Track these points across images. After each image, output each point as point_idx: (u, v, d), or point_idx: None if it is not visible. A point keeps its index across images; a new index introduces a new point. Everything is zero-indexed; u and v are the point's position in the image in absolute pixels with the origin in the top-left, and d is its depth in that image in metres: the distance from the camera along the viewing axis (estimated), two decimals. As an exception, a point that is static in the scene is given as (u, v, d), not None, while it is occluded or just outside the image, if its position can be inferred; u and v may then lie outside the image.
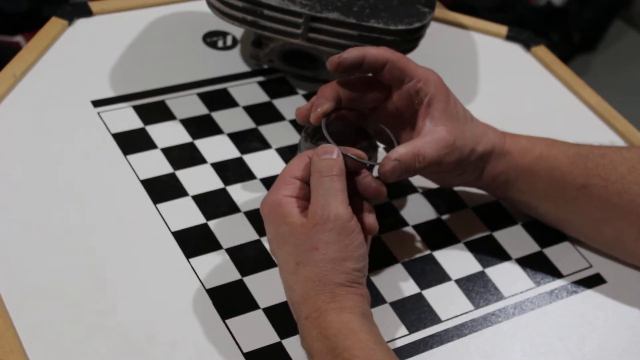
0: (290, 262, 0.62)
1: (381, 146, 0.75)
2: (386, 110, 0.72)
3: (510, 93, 0.95)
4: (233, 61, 0.91)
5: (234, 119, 0.84)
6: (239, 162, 0.80)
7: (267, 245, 0.72)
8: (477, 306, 0.72)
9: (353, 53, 0.68)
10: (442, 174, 0.73)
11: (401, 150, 0.67)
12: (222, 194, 0.76)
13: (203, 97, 0.86)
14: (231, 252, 0.71)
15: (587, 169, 0.72)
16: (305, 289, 0.61)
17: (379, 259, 0.73)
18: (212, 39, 0.93)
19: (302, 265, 0.61)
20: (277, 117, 0.85)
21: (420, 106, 0.70)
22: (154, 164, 0.78)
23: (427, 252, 0.75)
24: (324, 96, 0.69)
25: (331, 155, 0.64)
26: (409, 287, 0.72)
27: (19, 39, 1.38)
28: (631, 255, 0.76)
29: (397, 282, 0.72)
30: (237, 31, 0.95)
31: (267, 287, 0.69)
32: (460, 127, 0.70)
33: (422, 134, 0.69)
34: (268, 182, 0.78)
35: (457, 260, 0.75)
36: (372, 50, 0.68)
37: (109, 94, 0.84)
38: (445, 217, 0.79)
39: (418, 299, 0.71)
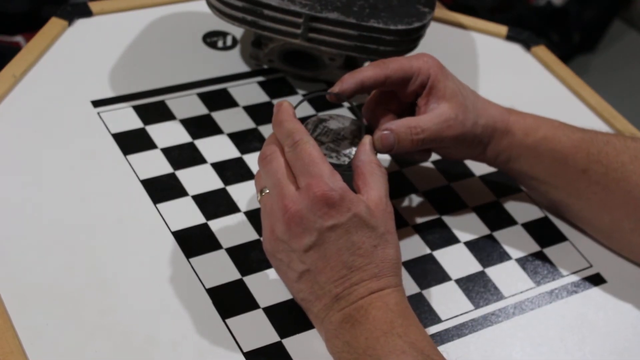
0: (366, 244, 0.63)
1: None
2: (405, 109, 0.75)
3: (510, 93, 0.94)
4: (233, 61, 0.91)
5: (234, 119, 0.84)
6: (239, 162, 0.80)
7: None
8: (477, 306, 0.72)
9: (349, 83, 0.70)
10: (446, 149, 0.75)
11: (397, 122, 0.70)
12: (222, 194, 0.76)
13: (203, 97, 0.86)
14: (231, 251, 0.71)
15: (589, 154, 0.73)
16: (379, 269, 0.63)
17: (379, 258, 0.73)
18: (212, 39, 0.93)
19: (380, 247, 0.63)
20: (277, 117, 0.85)
21: (422, 92, 0.72)
22: (154, 164, 0.78)
23: (427, 251, 0.75)
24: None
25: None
26: (410, 287, 0.72)
27: (19, 39, 1.38)
28: (629, 247, 0.76)
29: (397, 282, 0.72)
30: (237, 31, 0.95)
31: (267, 287, 0.69)
32: (462, 102, 0.72)
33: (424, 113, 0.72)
34: (268, 182, 0.78)
35: (457, 260, 0.75)
36: (367, 73, 0.70)
37: (109, 94, 0.84)
38: (445, 217, 0.79)
39: (418, 298, 0.71)
